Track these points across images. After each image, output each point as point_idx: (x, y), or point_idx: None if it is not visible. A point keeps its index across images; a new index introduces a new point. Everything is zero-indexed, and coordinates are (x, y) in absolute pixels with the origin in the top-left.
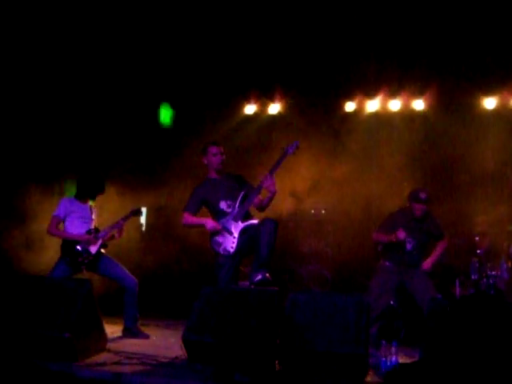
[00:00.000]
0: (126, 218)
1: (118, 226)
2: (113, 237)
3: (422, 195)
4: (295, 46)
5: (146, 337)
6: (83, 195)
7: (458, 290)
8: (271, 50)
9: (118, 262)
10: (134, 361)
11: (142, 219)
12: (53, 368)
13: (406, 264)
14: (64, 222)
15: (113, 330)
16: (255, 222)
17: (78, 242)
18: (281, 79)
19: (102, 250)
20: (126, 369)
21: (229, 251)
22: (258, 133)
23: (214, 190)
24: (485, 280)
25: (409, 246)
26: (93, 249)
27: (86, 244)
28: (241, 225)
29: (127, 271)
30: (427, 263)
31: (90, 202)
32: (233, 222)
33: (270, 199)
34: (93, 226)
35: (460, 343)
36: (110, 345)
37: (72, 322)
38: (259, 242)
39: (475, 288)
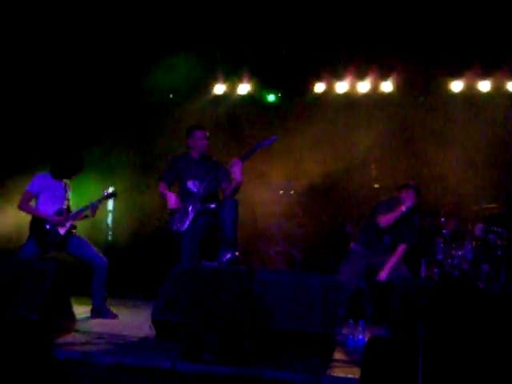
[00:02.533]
0: (100, 201)
1: (93, 207)
2: (85, 216)
3: (413, 183)
4: (264, 25)
5: (114, 317)
6: (58, 173)
7: (423, 270)
8: (239, 28)
9: (88, 242)
10: (103, 341)
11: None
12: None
13: (377, 251)
14: (36, 198)
15: (81, 310)
16: (213, 205)
17: (47, 221)
18: (249, 59)
19: (74, 231)
20: (95, 349)
21: (178, 228)
22: (227, 113)
23: (188, 168)
24: (449, 260)
25: (387, 239)
26: (62, 230)
27: (56, 224)
28: (198, 206)
29: (97, 251)
30: (384, 273)
31: (66, 181)
32: (192, 202)
33: (235, 188)
34: (65, 206)
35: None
36: (78, 325)
37: (40, 303)
38: (222, 223)
39: (440, 268)
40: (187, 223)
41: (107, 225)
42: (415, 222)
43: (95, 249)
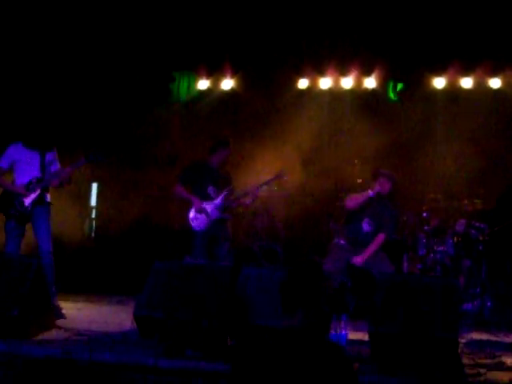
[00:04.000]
0: (76, 165)
1: (65, 173)
2: (61, 185)
3: (387, 171)
4: (246, 20)
5: (63, 317)
6: (30, 142)
7: (405, 265)
8: (222, 24)
9: (48, 223)
10: (85, 337)
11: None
12: (1, 347)
13: (359, 244)
14: (13, 169)
15: (62, 306)
16: (229, 216)
17: (11, 193)
18: (232, 54)
19: (49, 201)
20: (77, 345)
21: (201, 228)
22: (209, 109)
23: (208, 174)
24: (432, 255)
25: (366, 227)
26: (27, 201)
27: (20, 196)
28: (218, 214)
29: (47, 237)
30: (360, 258)
31: (49, 150)
32: (214, 209)
33: (239, 205)
34: (40, 175)
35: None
36: (59, 322)
37: (20, 300)
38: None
39: (422, 263)
40: (207, 226)
41: (91, 219)
42: (393, 212)
43: (48, 233)
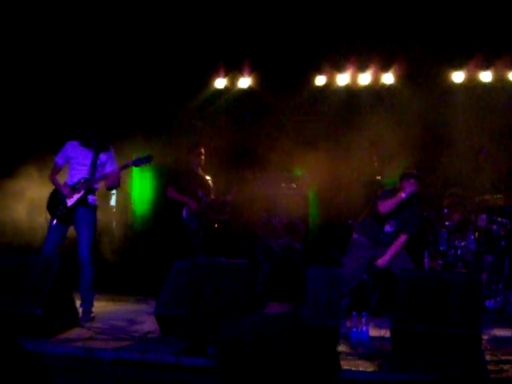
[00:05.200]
0: (122, 168)
1: (111, 175)
2: (111, 187)
3: (415, 172)
4: (263, 19)
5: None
6: (87, 140)
7: (426, 262)
8: (239, 22)
9: (88, 228)
10: (107, 336)
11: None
12: (26, 345)
13: (380, 243)
14: (67, 167)
15: None
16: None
17: (59, 191)
18: (250, 52)
19: (93, 204)
20: (99, 344)
21: (197, 228)
22: (228, 107)
23: (196, 178)
24: (453, 251)
25: (388, 228)
26: (69, 201)
27: (66, 196)
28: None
29: (86, 243)
30: (383, 260)
31: (105, 150)
32: (200, 208)
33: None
34: (88, 176)
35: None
36: (81, 320)
37: (44, 298)
38: None
39: (443, 259)
40: (199, 224)
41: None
42: (418, 212)
43: (87, 251)
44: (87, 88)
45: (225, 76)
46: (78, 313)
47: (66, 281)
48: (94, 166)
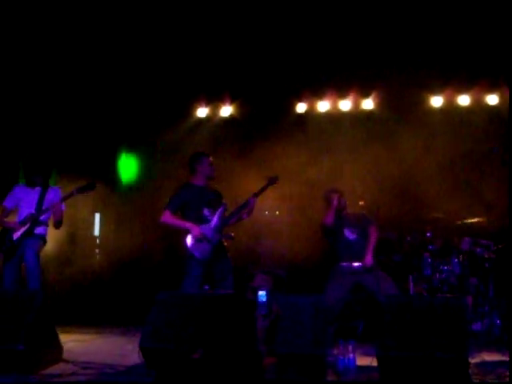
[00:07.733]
0: (68, 196)
1: (54, 207)
2: (58, 224)
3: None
4: (244, 48)
5: None
6: (34, 183)
7: (411, 286)
8: (219, 52)
9: (34, 257)
10: (91, 371)
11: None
12: (7, 382)
13: (354, 255)
14: (18, 209)
15: (67, 339)
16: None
17: (7, 229)
18: (230, 82)
19: (40, 234)
20: (83, 379)
21: (206, 257)
22: (210, 136)
23: (200, 196)
24: (437, 275)
25: (351, 236)
26: (15, 235)
27: (12, 231)
28: (218, 236)
29: (34, 273)
30: (368, 259)
31: (50, 186)
32: (213, 232)
33: (240, 220)
34: (33, 211)
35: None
36: (65, 355)
37: (26, 333)
38: None
39: (428, 283)
40: (211, 252)
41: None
42: (359, 212)
43: (35, 282)
44: (39, 128)
45: (206, 105)
46: (61, 347)
47: (49, 315)
48: (40, 202)
